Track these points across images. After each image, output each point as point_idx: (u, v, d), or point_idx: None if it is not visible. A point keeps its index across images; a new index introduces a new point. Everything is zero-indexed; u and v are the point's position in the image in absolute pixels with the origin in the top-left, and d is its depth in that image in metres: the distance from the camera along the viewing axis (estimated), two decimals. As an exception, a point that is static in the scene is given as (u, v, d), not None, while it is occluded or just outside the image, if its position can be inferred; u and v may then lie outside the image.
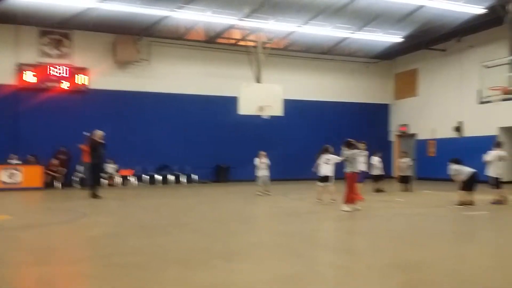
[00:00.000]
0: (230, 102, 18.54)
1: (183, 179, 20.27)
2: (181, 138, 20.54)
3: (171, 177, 20.10)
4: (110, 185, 18.42)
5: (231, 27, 19.94)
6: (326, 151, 12.11)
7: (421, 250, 6.36)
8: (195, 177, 20.50)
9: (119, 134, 18.49)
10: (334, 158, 11.83)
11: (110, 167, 18.82)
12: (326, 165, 11.97)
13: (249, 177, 17.06)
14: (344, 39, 21.34)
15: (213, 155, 20.96)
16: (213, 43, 21.10)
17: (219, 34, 20.63)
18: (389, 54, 23.89)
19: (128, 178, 19.39)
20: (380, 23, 19.39)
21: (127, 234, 7.63)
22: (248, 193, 15.00)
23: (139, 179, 19.60)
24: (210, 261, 5.59)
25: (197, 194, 15.79)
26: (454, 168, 11.22)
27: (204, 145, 20.85)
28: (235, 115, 17.79)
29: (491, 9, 16.01)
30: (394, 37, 20.56)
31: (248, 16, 17.74)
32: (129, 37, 19.66)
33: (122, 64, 20.02)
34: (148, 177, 19.81)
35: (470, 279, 4.76)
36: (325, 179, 12.02)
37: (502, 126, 19.00)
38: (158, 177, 19.92)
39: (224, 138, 21.13)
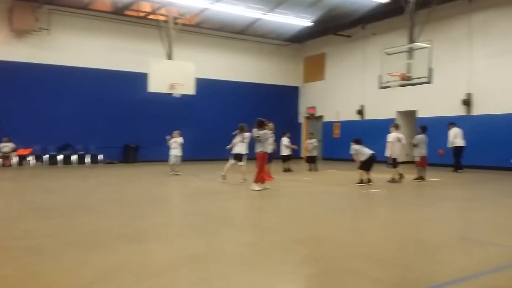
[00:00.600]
0: (140, 78, 17.89)
1: (87, 159, 19.28)
2: (86, 115, 19.46)
3: (74, 157, 19.02)
4: (5, 165, 17.03)
5: (140, -1, 19.12)
6: (242, 129, 12.22)
7: (323, 225, 6.66)
8: (101, 157, 19.62)
9: (16, 110, 17.08)
10: (249, 137, 11.97)
11: (6, 146, 17.33)
12: (241, 143, 12.14)
13: (160, 157, 16.66)
14: (257, 20, 21.45)
15: (121, 134, 20.16)
16: (121, 15, 20.09)
17: (127, 6, 19.68)
18: (299, 38, 24.49)
19: (26, 158, 18.00)
20: (291, 6, 19.73)
21: (22, 217, 7.08)
22: (158, 174, 14.69)
23: (39, 159, 18.30)
24: (113, 242, 5.38)
25: (103, 175, 15.12)
26: (354, 148, 11.87)
27: (111, 123, 19.97)
28: (145, 93, 17.20)
29: (394, -1, 16.94)
30: (304, 21, 21.05)
31: (158, -12, 17.10)
32: (27, 3, 18.04)
33: (19, 33, 18.36)
34: (48, 157, 18.55)
35: (365, 252, 5.07)
36: (238, 157, 12.16)
37: (399, 110, 20.47)
38: (60, 157, 18.73)
39: (132, 116, 20.40)
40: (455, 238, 5.81)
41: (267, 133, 10.89)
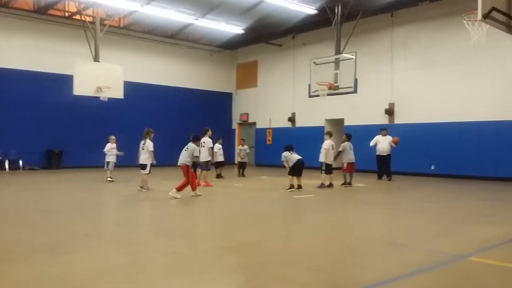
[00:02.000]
0: (64, 80, 17.10)
1: (6, 165, 18.03)
2: (5, 118, 18.21)
3: (-10, 163, 17.74)
4: None
5: (64, -2, 18.28)
6: (146, 134, 11.55)
7: (254, 231, 6.68)
8: (21, 163, 18.41)
9: None
10: (149, 145, 11.38)
11: None
12: (142, 151, 11.54)
13: (86, 163, 15.95)
14: (188, 25, 21.27)
15: (43, 138, 19.08)
16: (44, 14, 19.07)
17: (50, 5, 18.72)
18: (232, 45, 24.62)
19: None
20: (222, 12, 19.77)
21: None
22: (84, 180, 14.05)
23: (-52, 165, 16.85)
24: (34, 253, 5.06)
25: (22, 182, 14.19)
26: (284, 155, 12.05)
27: (32, 127, 18.84)
28: (70, 95, 16.41)
29: (322, 11, 17.53)
30: (235, 28, 21.15)
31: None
32: None
33: None
34: (-40, 162, 17.16)
35: (294, 257, 5.15)
36: (143, 166, 11.59)
37: (327, 118, 21.16)
38: (-26, 162, 17.39)
39: (56, 120, 19.38)
40: (379, 242, 6.06)
41: (191, 145, 10.43)
